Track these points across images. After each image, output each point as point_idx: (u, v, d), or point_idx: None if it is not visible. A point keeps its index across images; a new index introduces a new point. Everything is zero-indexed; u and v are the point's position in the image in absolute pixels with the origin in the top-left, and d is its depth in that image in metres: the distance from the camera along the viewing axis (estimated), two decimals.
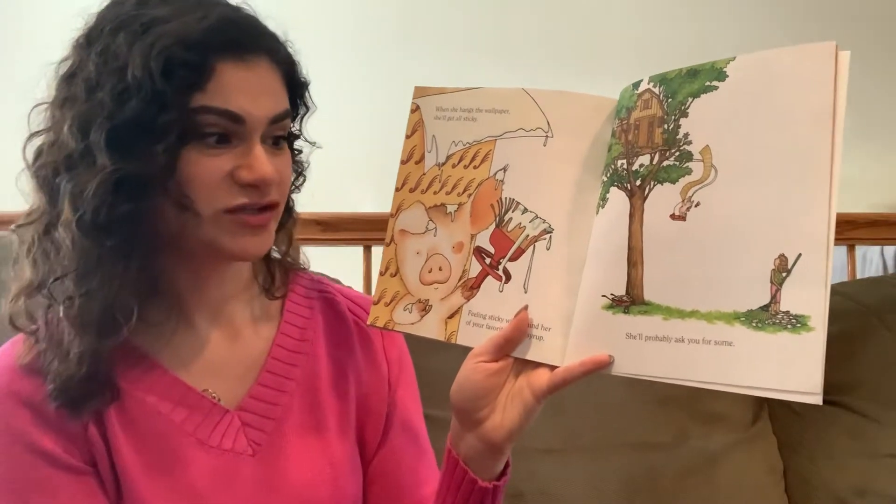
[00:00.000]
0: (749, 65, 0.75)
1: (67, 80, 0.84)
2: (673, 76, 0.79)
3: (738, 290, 0.73)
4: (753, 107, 0.74)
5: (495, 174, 0.89)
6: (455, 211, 0.90)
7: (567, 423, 1.54)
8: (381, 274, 0.94)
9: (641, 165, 0.79)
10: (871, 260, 2.35)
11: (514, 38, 2.53)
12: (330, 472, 0.94)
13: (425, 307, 0.90)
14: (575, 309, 0.82)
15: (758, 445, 1.62)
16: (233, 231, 0.85)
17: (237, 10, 0.86)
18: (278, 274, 0.99)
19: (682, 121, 0.77)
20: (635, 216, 0.79)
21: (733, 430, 1.61)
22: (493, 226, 0.88)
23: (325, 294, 1.03)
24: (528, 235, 0.86)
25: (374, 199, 2.24)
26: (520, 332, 0.83)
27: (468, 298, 0.88)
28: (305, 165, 0.99)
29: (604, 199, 0.82)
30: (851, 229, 1.89)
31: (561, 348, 0.82)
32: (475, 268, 0.88)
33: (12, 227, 0.88)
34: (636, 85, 0.81)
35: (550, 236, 0.85)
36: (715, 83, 0.76)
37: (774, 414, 1.66)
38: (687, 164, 0.76)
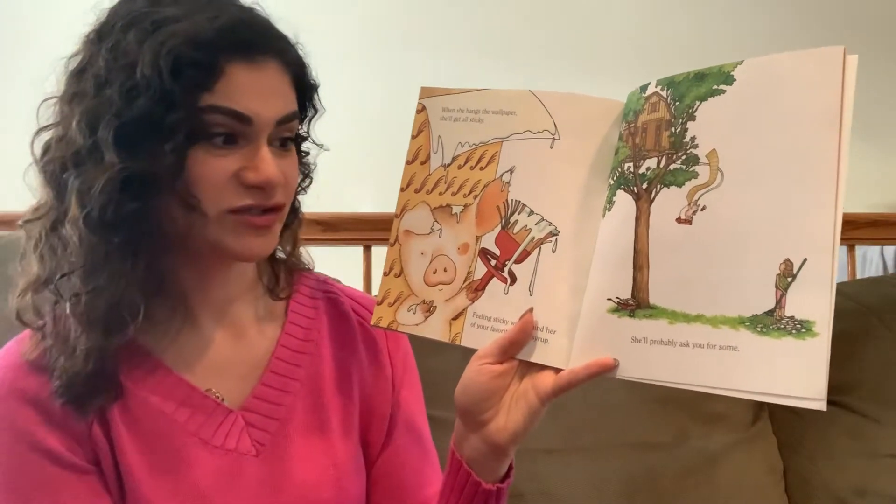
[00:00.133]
0: (756, 68, 0.75)
1: (77, 75, 0.84)
2: (680, 79, 0.78)
3: (744, 294, 0.73)
4: (760, 111, 0.74)
5: (501, 176, 0.89)
6: (461, 212, 0.90)
7: (567, 423, 1.54)
8: (385, 274, 0.94)
9: (648, 169, 0.79)
10: (871, 260, 2.36)
11: (515, 38, 2.53)
12: (333, 473, 0.94)
13: (429, 308, 0.90)
14: (580, 312, 0.82)
15: (758, 445, 1.62)
16: (237, 231, 0.85)
17: (249, 11, 0.86)
18: (283, 275, 0.99)
19: (690, 124, 0.77)
20: (641, 219, 0.79)
21: (733, 431, 1.61)
22: (499, 227, 0.88)
23: (330, 294, 1.03)
24: (533, 238, 0.86)
25: (374, 199, 2.24)
26: (525, 334, 0.83)
27: (473, 300, 0.88)
28: (312, 167, 0.99)
29: (610, 202, 0.82)
30: (851, 229, 1.89)
31: (566, 351, 0.82)
32: (480, 269, 0.88)
33: (20, 221, 0.88)
34: (644, 88, 0.81)
35: (556, 239, 0.85)
36: (722, 87, 0.76)
37: (774, 414, 1.66)
38: (693, 167, 0.76)
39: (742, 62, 0.75)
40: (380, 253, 1.79)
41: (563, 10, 2.53)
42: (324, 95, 0.95)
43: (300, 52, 0.90)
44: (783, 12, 2.49)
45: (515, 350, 0.84)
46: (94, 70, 0.82)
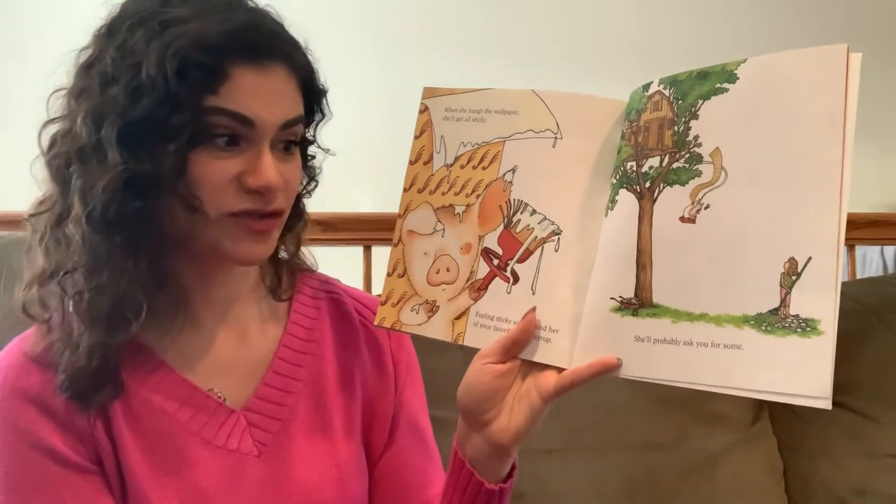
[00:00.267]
0: (760, 67, 0.74)
1: (85, 70, 0.84)
2: (683, 78, 0.78)
3: (748, 293, 0.73)
4: (764, 109, 0.74)
5: (504, 175, 0.89)
6: (463, 212, 0.90)
7: (568, 424, 1.54)
8: (389, 274, 0.93)
9: (651, 167, 0.79)
10: (871, 260, 2.36)
11: (517, 38, 2.53)
12: (336, 473, 0.94)
13: (432, 308, 0.90)
14: (583, 311, 0.82)
15: (758, 445, 1.62)
16: (235, 235, 0.85)
17: (259, 14, 0.86)
18: (285, 276, 0.98)
19: (693, 123, 0.77)
20: (644, 218, 0.79)
21: (733, 430, 1.61)
22: (502, 227, 0.88)
23: (332, 295, 1.03)
24: (536, 237, 0.86)
25: (373, 199, 2.24)
26: (527, 333, 0.83)
27: (476, 300, 0.88)
28: (318, 171, 0.99)
29: (613, 201, 0.82)
30: (851, 229, 1.87)
31: (568, 350, 0.82)
32: (483, 269, 0.88)
33: (26, 215, 0.88)
34: (646, 87, 0.81)
35: (559, 238, 0.85)
36: (725, 85, 0.76)
37: (774, 414, 1.66)
38: (697, 166, 0.76)
39: (745, 61, 0.75)
40: (380, 253, 1.79)
41: (564, 10, 2.54)
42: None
43: (309, 57, 0.89)
44: (784, 12, 2.49)
45: (518, 349, 0.84)
46: (102, 67, 0.82)
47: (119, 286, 0.82)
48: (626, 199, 0.80)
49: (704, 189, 0.76)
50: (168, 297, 0.88)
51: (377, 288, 1.69)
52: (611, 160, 0.84)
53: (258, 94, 0.82)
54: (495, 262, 0.88)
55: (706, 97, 0.76)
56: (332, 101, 0.95)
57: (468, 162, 0.91)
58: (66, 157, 0.83)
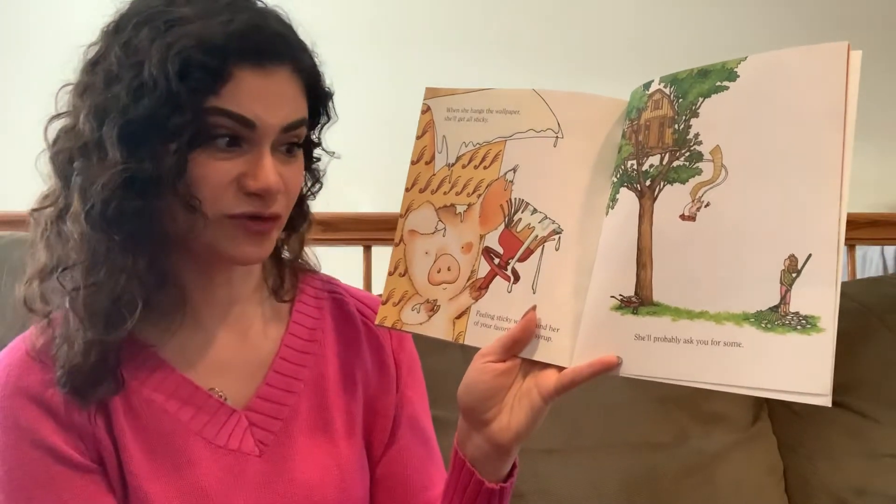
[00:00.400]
0: (760, 64, 0.74)
1: (91, 66, 0.84)
2: (684, 76, 0.78)
3: (748, 290, 0.73)
4: (764, 107, 0.74)
5: (505, 175, 0.89)
6: (464, 211, 0.90)
7: (568, 423, 1.54)
8: (390, 274, 0.93)
9: (651, 166, 0.79)
10: (871, 260, 2.36)
11: (518, 38, 2.53)
12: (337, 473, 0.94)
13: (433, 307, 0.90)
14: (583, 310, 0.82)
15: (758, 445, 1.62)
16: (233, 236, 0.85)
17: (264, 15, 0.86)
18: (288, 277, 0.99)
19: (693, 121, 0.77)
20: (645, 217, 0.79)
21: (733, 430, 1.61)
22: (503, 226, 0.88)
23: (335, 295, 1.03)
24: (537, 236, 0.86)
25: (373, 199, 2.24)
26: (527, 332, 0.83)
27: (476, 299, 0.88)
28: (322, 173, 0.98)
29: (613, 200, 0.82)
30: (851, 229, 1.87)
31: (569, 349, 0.82)
32: (484, 268, 0.88)
33: (29, 209, 0.88)
34: (647, 85, 0.81)
35: (560, 237, 0.85)
36: (726, 83, 0.76)
37: (774, 414, 1.66)
38: (697, 164, 0.76)
39: (745, 58, 0.75)
40: (380, 253, 1.79)
41: (566, 11, 2.54)
42: None
43: (315, 60, 0.89)
44: (784, 12, 2.50)
45: (518, 348, 0.84)
46: (107, 64, 0.82)
47: (117, 284, 0.83)
48: (627, 198, 0.80)
49: (705, 187, 0.76)
50: (168, 296, 0.88)
51: (377, 288, 1.70)
52: (612, 159, 0.84)
53: (260, 96, 0.82)
54: (496, 261, 0.88)
55: (706, 95, 0.76)
56: (335, 101, 0.95)
57: (469, 161, 0.91)
58: (68, 153, 0.83)
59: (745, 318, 0.73)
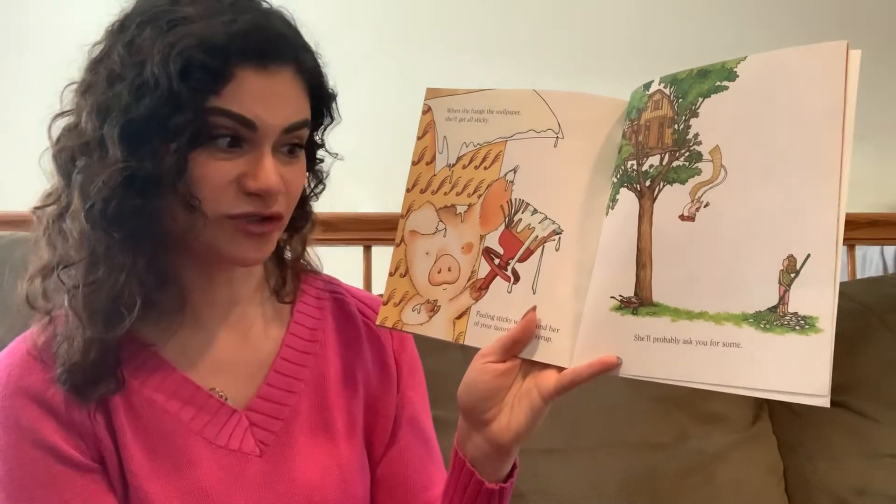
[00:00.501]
0: (759, 64, 0.75)
1: (94, 65, 0.84)
2: (683, 76, 0.79)
3: (747, 291, 0.73)
4: (763, 106, 0.74)
5: (505, 175, 0.89)
6: (465, 212, 0.90)
7: (567, 423, 1.54)
8: (391, 274, 0.93)
9: (651, 166, 0.79)
10: (871, 260, 2.36)
11: (517, 38, 2.53)
12: (338, 474, 0.94)
13: (434, 308, 0.90)
14: (583, 310, 0.82)
15: (758, 445, 1.62)
16: (233, 237, 0.85)
17: (267, 16, 0.85)
18: (290, 278, 0.99)
19: (693, 121, 0.77)
20: (645, 217, 0.79)
21: (733, 430, 1.61)
22: (503, 227, 0.88)
23: (336, 295, 1.03)
24: (537, 236, 0.86)
25: (373, 199, 2.24)
26: (527, 332, 0.83)
27: (476, 299, 0.88)
28: (325, 174, 0.98)
29: (613, 200, 0.82)
30: (851, 229, 1.89)
31: (569, 349, 0.82)
32: (484, 268, 0.88)
33: (32, 207, 0.89)
34: (647, 85, 0.81)
35: (560, 237, 0.85)
36: (725, 83, 0.76)
37: (774, 414, 1.66)
38: (697, 164, 0.76)
39: (745, 58, 0.75)
40: (380, 253, 1.79)
41: (566, 11, 2.54)
42: None
43: (318, 61, 0.89)
44: (783, 12, 2.50)
45: (518, 349, 0.84)
46: (110, 63, 0.82)
47: (117, 282, 0.83)
48: (627, 198, 0.80)
49: (704, 187, 0.76)
50: (169, 295, 0.89)
51: (377, 288, 1.70)
52: (612, 159, 0.84)
53: (261, 97, 0.82)
54: (496, 261, 0.88)
55: (706, 95, 0.77)
56: (336, 102, 0.95)
57: (470, 162, 0.91)
58: (70, 152, 0.84)
59: (744, 318, 0.73)
